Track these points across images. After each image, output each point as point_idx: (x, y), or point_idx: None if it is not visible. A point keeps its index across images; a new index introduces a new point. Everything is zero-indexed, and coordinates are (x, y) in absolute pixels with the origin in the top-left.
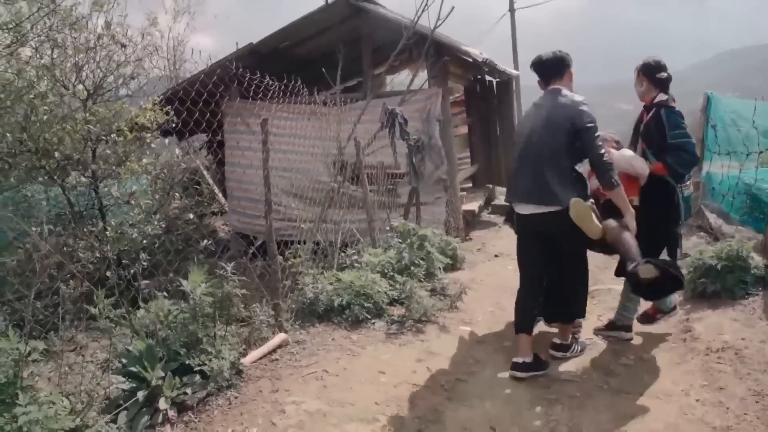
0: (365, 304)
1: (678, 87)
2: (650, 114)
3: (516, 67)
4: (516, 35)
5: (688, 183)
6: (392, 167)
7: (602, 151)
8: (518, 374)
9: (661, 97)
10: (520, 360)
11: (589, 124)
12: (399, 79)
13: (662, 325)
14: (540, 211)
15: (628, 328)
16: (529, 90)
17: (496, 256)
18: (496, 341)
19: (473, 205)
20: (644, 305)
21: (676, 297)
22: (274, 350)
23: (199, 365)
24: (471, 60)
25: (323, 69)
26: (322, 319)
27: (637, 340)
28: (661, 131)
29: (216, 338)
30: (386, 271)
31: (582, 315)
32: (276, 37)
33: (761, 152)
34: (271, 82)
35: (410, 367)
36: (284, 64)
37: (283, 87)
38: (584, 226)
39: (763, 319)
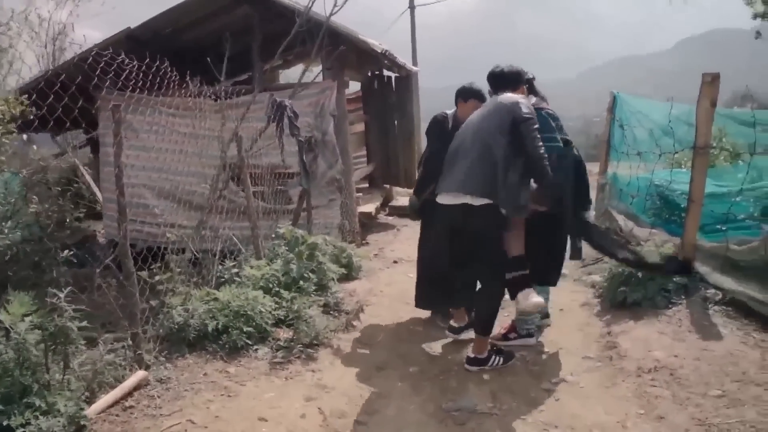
0: (245, 328)
1: (576, 90)
2: None
3: (415, 64)
4: (415, 33)
5: None
6: (282, 167)
7: (539, 144)
8: (452, 335)
9: (531, 100)
10: (455, 324)
11: (528, 116)
12: (295, 74)
13: (580, 338)
14: (461, 202)
15: (530, 334)
16: (428, 93)
17: (395, 262)
18: (400, 366)
19: (370, 207)
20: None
21: (535, 322)
22: (130, 393)
23: (22, 426)
24: (370, 50)
25: (209, 60)
26: (194, 347)
27: (555, 358)
28: None
29: (49, 386)
30: (271, 286)
31: (488, 331)
32: (157, 21)
33: (676, 153)
34: (147, 71)
35: (298, 409)
36: (168, 54)
37: (161, 78)
38: None
39: (693, 331)
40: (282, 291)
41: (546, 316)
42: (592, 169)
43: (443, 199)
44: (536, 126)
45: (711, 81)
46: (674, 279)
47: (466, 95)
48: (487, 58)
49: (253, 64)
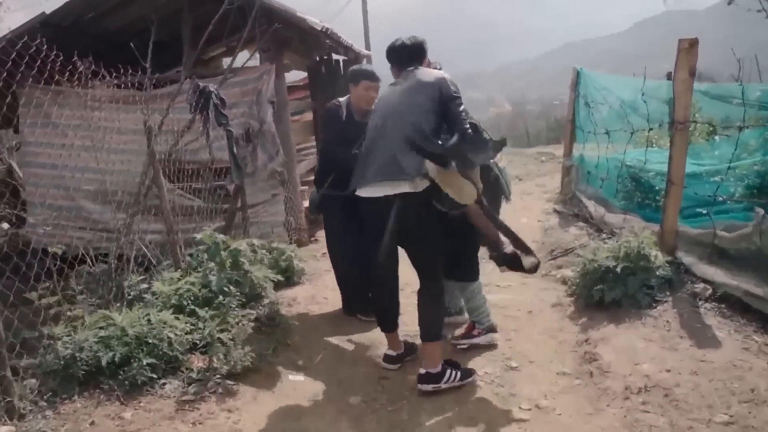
0: (146, 361)
1: (532, 74)
2: None
3: (369, 50)
4: (368, 16)
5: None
6: (222, 161)
7: (467, 122)
8: (389, 366)
9: None
10: (392, 353)
11: (456, 94)
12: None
13: (552, 347)
14: (394, 192)
15: (493, 328)
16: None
17: None
18: (339, 396)
19: None
20: None
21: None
22: None
23: None
24: (309, 28)
25: (133, 46)
26: (86, 385)
27: (524, 375)
28: None
29: None
30: (185, 303)
31: (440, 335)
32: (75, 5)
33: (650, 129)
34: (66, 61)
35: None
36: (93, 41)
37: (83, 69)
38: (455, 188)
39: (684, 337)
40: (197, 309)
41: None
42: (554, 152)
43: (366, 192)
44: (463, 105)
45: (689, 47)
46: (657, 272)
47: (356, 77)
48: (439, 43)
49: (183, 50)
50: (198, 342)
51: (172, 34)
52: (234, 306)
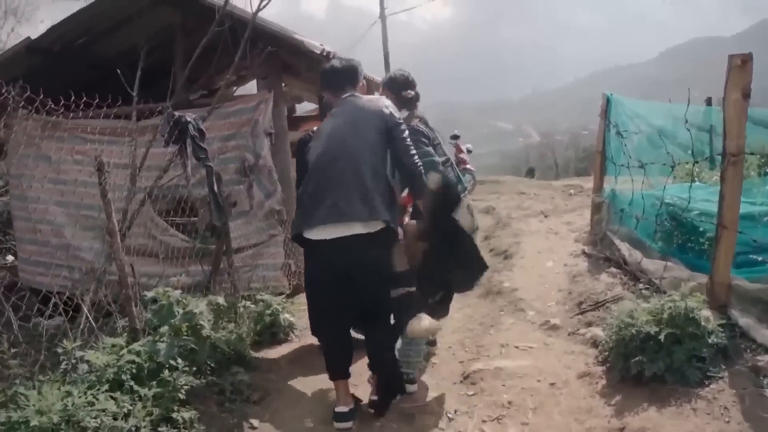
0: None
1: (560, 103)
2: None
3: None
4: (387, 42)
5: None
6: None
7: (414, 151)
8: (341, 425)
9: (403, 114)
10: (344, 409)
11: (399, 120)
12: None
13: None
14: (351, 233)
15: (412, 379)
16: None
17: None
18: None
19: None
20: None
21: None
22: None
23: None
24: (307, 51)
25: (120, 73)
26: None
27: None
28: None
29: None
30: (125, 378)
31: (402, 390)
32: (63, 28)
33: (696, 162)
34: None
35: None
36: (86, 68)
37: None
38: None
39: (752, 428)
40: (136, 386)
41: (433, 343)
42: (583, 184)
43: (318, 234)
44: (407, 131)
45: (741, 64)
46: (710, 339)
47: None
48: (470, 72)
49: (175, 76)
50: (133, 430)
51: (170, 62)
52: (180, 384)
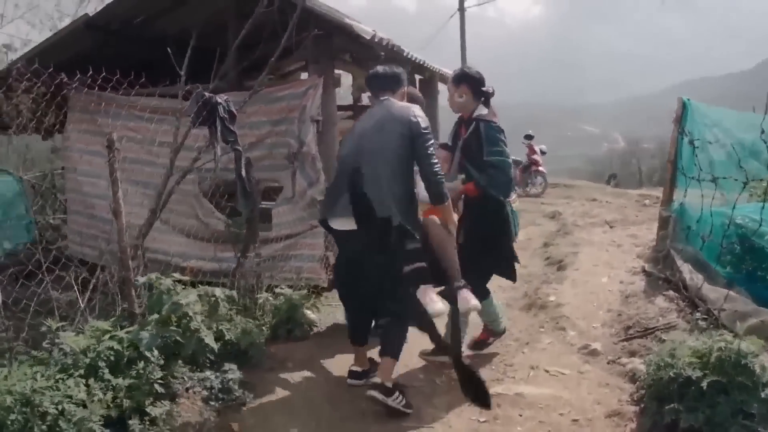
0: None
1: (651, 110)
2: (470, 128)
3: None
4: (465, 35)
5: (513, 197)
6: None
7: (435, 161)
8: (352, 381)
9: (481, 110)
10: (358, 369)
11: (425, 131)
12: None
13: None
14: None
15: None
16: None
17: None
18: None
19: None
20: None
21: (505, 319)
22: None
23: None
24: (357, 36)
25: (170, 52)
26: None
27: None
28: (479, 147)
29: None
30: (101, 365)
31: (396, 354)
32: (119, 6)
33: None
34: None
35: None
36: (146, 47)
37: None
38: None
39: None
40: (110, 376)
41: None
42: (660, 195)
43: (335, 224)
44: (432, 142)
45: None
46: (762, 393)
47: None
48: (556, 73)
49: (227, 58)
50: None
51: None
52: (155, 377)
